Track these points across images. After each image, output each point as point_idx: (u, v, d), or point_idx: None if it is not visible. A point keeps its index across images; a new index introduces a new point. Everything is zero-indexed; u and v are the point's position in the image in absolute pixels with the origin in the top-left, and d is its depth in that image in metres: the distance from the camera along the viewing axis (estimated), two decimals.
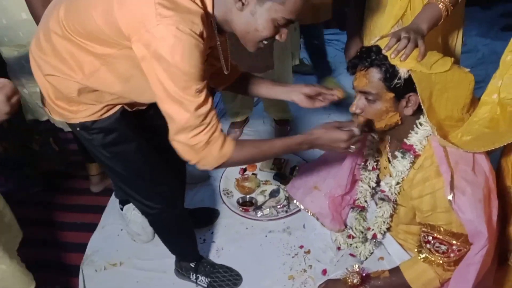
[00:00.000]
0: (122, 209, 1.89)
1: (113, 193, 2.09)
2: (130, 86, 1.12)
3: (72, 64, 1.08)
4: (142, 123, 1.32)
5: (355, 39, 1.63)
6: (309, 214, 1.56)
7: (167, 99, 0.98)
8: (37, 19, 1.45)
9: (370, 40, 1.41)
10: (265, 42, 1.06)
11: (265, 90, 1.36)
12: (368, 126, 1.13)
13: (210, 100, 1.01)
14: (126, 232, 1.92)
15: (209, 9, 1.01)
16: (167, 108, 1.00)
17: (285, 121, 2.42)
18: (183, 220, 1.56)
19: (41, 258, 1.82)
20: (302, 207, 1.59)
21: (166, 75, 0.95)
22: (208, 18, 1.01)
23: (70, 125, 1.23)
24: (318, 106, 1.30)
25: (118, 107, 1.20)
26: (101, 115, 1.19)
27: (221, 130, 1.05)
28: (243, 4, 0.98)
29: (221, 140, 1.03)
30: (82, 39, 1.04)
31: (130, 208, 1.85)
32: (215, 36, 1.07)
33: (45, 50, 1.11)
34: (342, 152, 1.12)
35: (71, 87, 1.12)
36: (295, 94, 1.31)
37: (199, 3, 0.98)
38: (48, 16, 1.10)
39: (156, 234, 1.87)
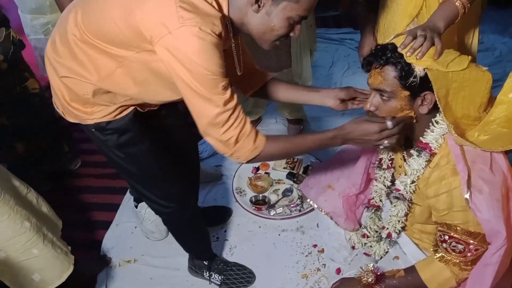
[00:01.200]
0: (136, 207, 1.91)
1: (128, 191, 2.12)
2: (144, 89, 1.14)
3: (88, 66, 1.10)
4: (155, 123, 1.33)
5: (369, 37, 1.62)
6: (323, 213, 1.56)
7: (195, 98, 1.00)
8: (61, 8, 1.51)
9: (385, 38, 1.40)
10: (280, 40, 1.07)
11: (297, 95, 1.35)
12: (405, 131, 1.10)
13: (235, 95, 1.03)
14: (140, 229, 1.95)
15: (225, 12, 1.02)
16: (197, 106, 1.02)
17: (299, 120, 2.41)
18: (197, 219, 1.57)
19: None
20: (315, 206, 1.59)
21: (192, 76, 0.97)
22: (224, 21, 1.03)
23: (85, 126, 1.24)
24: (352, 108, 1.30)
25: (131, 108, 1.22)
26: (115, 116, 1.20)
27: (251, 125, 1.06)
28: (259, 6, 1.00)
29: (253, 133, 1.05)
30: (101, 41, 1.06)
31: (144, 206, 1.86)
32: (230, 38, 1.09)
33: (60, 53, 1.13)
34: (375, 146, 1.10)
35: (86, 89, 1.14)
36: (329, 99, 1.29)
37: (216, 7, 1.00)
38: (65, 19, 1.12)
39: (168, 233, 1.90)
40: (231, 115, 1.02)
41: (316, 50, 2.28)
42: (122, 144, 1.26)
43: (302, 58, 2.07)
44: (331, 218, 1.52)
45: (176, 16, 0.94)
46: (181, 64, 0.96)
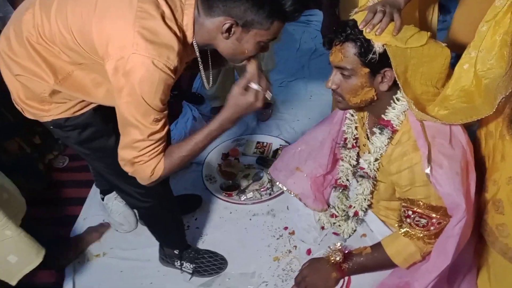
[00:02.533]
0: (103, 199, 1.86)
1: (93, 184, 2.06)
2: (100, 92, 1.13)
3: (45, 68, 1.08)
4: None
5: (331, 17, 1.61)
6: (292, 195, 1.56)
7: (125, 120, 1.02)
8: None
9: (347, 17, 1.39)
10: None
11: None
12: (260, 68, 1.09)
13: (166, 129, 1.06)
14: (108, 222, 1.90)
15: (189, 39, 1.03)
16: (123, 126, 1.04)
17: (267, 104, 2.39)
18: (174, 210, 1.56)
19: None
20: (284, 188, 1.59)
21: (130, 100, 0.98)
22: (186, 45, 1.03)
23: (44, 123, 1.20)
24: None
25: (91, 105, 1.18)
26: (73, 113, 1.17)
27: (163, 154, 1.08)
28: (229, 34, 1.01)
29: (157, 159, 1.07)
30: (56, 46, 1.04)
31: (111, 198, 1.83)
32: (196, 55, 1.09)
33: (16, 52, 1.09)
34: (260, 107, 1.08)
35: (44, 88, 1.11)
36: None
37: (179, 33, 0.99)
38: (21, 17, 1.08)
39: (139, 223, 1.87)
40: (150, 145, 1.04)
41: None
42: (84, 140, 1.23)
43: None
44: (300, 200, 1.53)
45: (131, 42, 0.93)
46: (123, 86, 0.97)
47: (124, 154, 1.07)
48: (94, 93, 1.13)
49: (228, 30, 0.99)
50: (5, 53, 1.11)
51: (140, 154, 1.04)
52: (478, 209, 1.18)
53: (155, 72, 0.95)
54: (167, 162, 1.08)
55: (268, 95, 1.07)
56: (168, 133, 1.11)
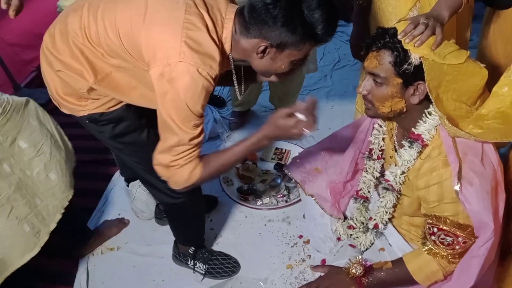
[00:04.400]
0: (128, 186, 1.89)
1: (113, 177, 2.08)
2: (134, 95, 1.17)
3: (87, 67, 1.13)
4: (151, 113, 1.30)
5: (360, 27, 1.60)
6: (307, 195, 1.53)
7: (165, 126, 1.05)
8: None
9: (376, 27, 1.39)
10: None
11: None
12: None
13: (203, 134, 1.10)
14: (124, 217, 1.91)
15: (227, 49, 1.08)
16: (163, 132, 1.08)
17: None
18: (201, 208, 1.58)
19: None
20: (299, 184, 1.56)
21: (172, 106, 1.02)
22: (223, 56, 1.07)
23: (79, 118, 1.25)
24: None
25: (124, 102, 1.23)
26: (108, 108, 1.21)
27: (198, 159, 1.10)
28: (264, 54, 1.05)
29: (194, 164, 1.09)
30: (101, 49, 1.09)
31: (136, 185, 1.86)
32: (231, 67, 1.14)
33: (59, 50, 1.15)
34: (299, 137, 1.11)
35: (82, 85, 1.16)
36: None
37: (218, 43, 1.04)
38: (67, 17, 1.13)
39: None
40: (188, 149, 1.07)
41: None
42: (118, 134, 1.26)
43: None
44: (317, 202, 1.51)
45: (178, 51, 0.98)
46: (167, 92, 1.01)
47: (161, 159, 1.09)
48: (128, 95, 1.18)
49: (263, 51, 1.04)
50: (48, 50, 1.17)
51: (177, 158, 1.07)
52: (505, 234, 1.15)
53: (199, 80, 0.99)
54: (205, 169, 1.11)
55: (307, 132, 1.08)
56: None
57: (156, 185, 1.39)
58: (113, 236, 1.83)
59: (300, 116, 1.06)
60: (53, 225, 1.44)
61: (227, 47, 1.08)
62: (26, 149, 1.39)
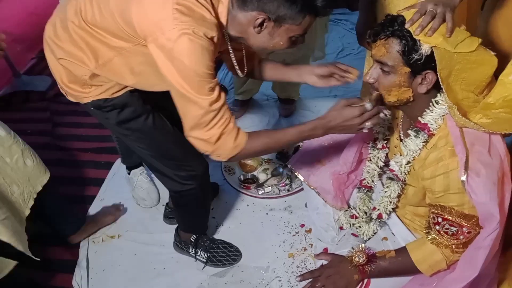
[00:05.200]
0: (129, 174, 1.89)
1: (113, 164, 2.08)
2: (140, 79, 1.16)
3: (87, 52, 1.12)
4: (156, 99, 1.29)
5: (367, 14, 1.57)
6: (311, 188, 1.53)
7: (182, 98, 1.02)
8: None
9: (383, 15, 1.36)
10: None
11: (277, 73, 1.36)
12: (381, 100, 1.09)
13: (222, 95, 1.05)
14: (124, 205, 1.91)
15: (223, 22, 1.05)
16: (182, 106, 1.04)
17: (291, 100, 2.37)
18: (209, 195, 1.58)
19: (41, 229, 1.80)
20: (303, 179, 1.55)
21: (180, 76, 0.99)
22: (221, 28, 1.04)
23: (85, 105, 1.24)
24: (334, 84, 1.28)
25: (128, 88, 1.22)
26: (112, 94, 1.20)
27: (235, 123, 1.06)
28: (261, 28, 1.02)
29: (234, 132, 1.06)
30: (99, 29, 1.08)
31: (137, 173, 1.87)
32: (227, 44, 1.09)
33: (60, 37, 1.14)
34: (357, 131, 1.09)
35: (84, 72, 1.15)
36: (307, 76, 1.30)
37: (214, 15, 1.01)
38: (67, 6, 1.13)
39: (159, 201, 1.90)
40: (215, 115, 1.03)
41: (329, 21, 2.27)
42: (123, 121, 1.25)
43: (317, 33, 2.03)
44: (319, 194, 1.50)
45: (171, 18, 0.95)
46: (171, 64, 0.98)
47: (195, 134, 1.06)
48: (130, 80, 1.17)
49: (260, 24, 1.01)
50: (50, 39, 1.18)
51: (209, 128, 1.03)
52: (508, 225, 1.15)
53: (198, 40, 0.96)
54: (253, 141, 1.08)
55: (366, 125, 1.06)
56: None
57: (164, 171, 1.38)
58: (109, 223, 1.82)
59: (368, 105, 1.04)
60: (27, 211, 1.44)
61: (222, 21, 1.04)
62: (4, 137, 1.40)
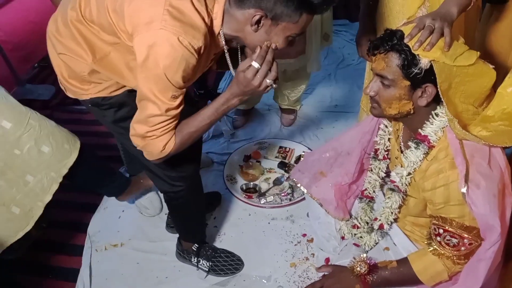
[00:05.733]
0: None
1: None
2: (133, 76, 1.16)
3: (85, 47, 1.14)
4: None
5: (367, 26, 1.60)
6: (313, 199, 1.54)
7: (144, 95, 1.05)
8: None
9: (383, 26, 1.39)
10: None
11: None
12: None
13: (181, 107, 1.09)
14: (127, 213, 1.92)
15: (217, 27, 1.06)
16: (142, 100, 1.07)
17: (292, 109, 2.39)
18: (200, 200, 1.58)
19: (44, 237, 1.81)
20: (305, 191, 1.57)
21: (150, 74, 1.01)
22: (213, 33, 1.05)
23: (83, 101, 1.27)
24: None
25: (126, 87, 1.24)
26: (110, 92, 1.23)
27: (174, 130, 1.11)
28: (258, 26, 1.02)
29: (168, 137, 1.10)
30: (95, 25, 1.10)
31: None
32: (221, 46, 1.11)
33: (61, 32, 1.17)
34: (264, 91, 1.07)
35: (83, 68, 1.17)
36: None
37: (206, 19, 1.02)
38: (69, 1, 1.16)
39: (161, 210, 1.92)
40: (165, 121, 1.07)
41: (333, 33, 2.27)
42: (120, 119, 1.28)
43: (313, 46, 2.05)
44: (321, 206, 1.51)
45: (160, 19, 0.96)
46: (147, 60, 0.99)
47: (138, 128, 1.10)
48: (127, 76, 1.18)
49: (258, 22, 1.02)
50: (52, 34, 1.20)
51: (153, 129, 1.07)
52: (509, 234, 1.16)
53: (179, 49, 0.97)
54: (178, 138, 1.12)
55: (268, 82, 1.05)
56: (182, 112, 1.12)
57: (156, 172, 1.40)
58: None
59: (255, 64, 1.03)
60: (48, 197, 1.42)
61: (217, 22, 1.05)
62: (12, 128, 1.34)
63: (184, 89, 1.06)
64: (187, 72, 1.02)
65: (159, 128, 1.07)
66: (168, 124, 1.08)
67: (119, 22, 1.05)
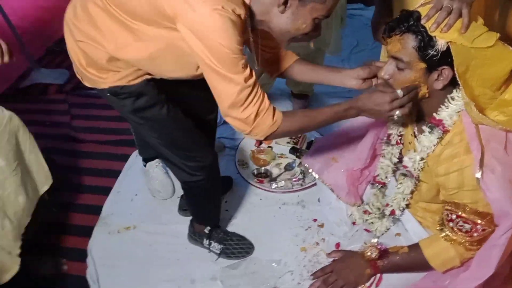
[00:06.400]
0: (145, 166, 1.91)
1: (130, 157, 2.12)
2: (158, 65, 1.14)
3: (106, 35, 1.11)
4: (171, 88, 1.30)
5: (383, 8, 1.56)
6: (325, 185, 1.54)
7: (216, 78, 1.01)
8: None
9: (400, 8, 1.35)
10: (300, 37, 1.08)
11: (318, 76, 1.34)
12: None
13: (254, 72, 1.04)
14: (140, 197, 1.94)
15: (246, 1, 1.02)
16: (218, 87, 1.03)
17: (304, 95, 2.37)
18: (218, 187, 1.59)
19: (57, 220, 1.85)
20: (317, 176, 1.56)
21: (212, 55, 0.97)
22: (245, 10, 1.02)
23: (101, 91, 1.25)
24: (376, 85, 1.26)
25: (145, 76, 1.22)
26: (129, 81, 1.20)
27: (269, 100, 1.06)
28: (285, 7, 1.00)
29: (271, 109, 1.06)
30: (122, 12, 1.06)
31: (153, 165, 1.89)
32: (248, 32, 1.08)
33: (79, 18, 1.14)
34: (387, 118, 1.10)
35: (101, 55, 1.14)
36: (351, 80, 1.26)
37: None
38: None
39: (174, 193, 1.93)
40: (251, 92, 1.02)
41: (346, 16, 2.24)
42: (138, 109, 1.26)
43: (333, 27, 2.01)
44: (333, 191, 1.51)
45: None
46: (202, 42, 0.96)
47: (232, 114, 1.05)
48: (146, 65, 1.16)
49: (285, 3, 1.00)
50: (70, 20, 1.18)
51: (246, 106, 1.02)
52: None
53: (227, 15, 0.95)
54: (289, 120, 1.09)
55: (396, 112, 1.07)
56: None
57: (174, 161, 1.40)
58: None
59: (399, 91, 1.05)
60: (17, 250, 1.37)
61: (246, 1, 1.02)
62: (3, 167, 1.32)
63: (245, 55, 1.02)
64: (241, 36, 0.99)
65: (250, 102, 1.02)
66: (255, 94, 1.03)
67: (152, 7, 1.01)
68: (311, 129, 1.16)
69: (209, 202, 1.60)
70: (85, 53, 1.17)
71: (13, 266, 1.34)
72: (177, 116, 1.32)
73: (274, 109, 1.07)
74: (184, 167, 1.40)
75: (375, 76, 1.24)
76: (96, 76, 1.20)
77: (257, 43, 1.19)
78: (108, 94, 1.24)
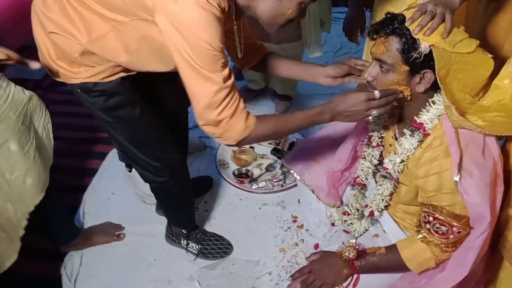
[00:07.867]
0: (130, 171, 1.86)
1: (107, 155, 2.07)
2: (134, 57, 1.09)
3: (79, 26, 1.05)
4: (145, 87, 1.27)
5: (356, 13, 1.60)
6: (306, 186, 1.54)
7: (193, 76, 0.96)
8: None
9: (382, 13, 1.36)
10: (286, 23, 1.05)
11: (289, 70, 1.33)
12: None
13: (233, 73, 1.01)
14: (117, 196, 1.91)
15: None
16: (194, 85, 0.98)
17: (288, 96, 2.38)
18: (187, 190, 1.55)
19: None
20: (298, 177, 1.56)
21: (192, 51, 0.93)
22: (229, 1, 0.99)
23: (71, 86, 1.18)
24: (348, 82, 1.26)
25: (120, 73, 1.16)
26: (102, 78, 1.15)
27: (243, 104, 1.03)
28: None
29: (245, 113, 1.03)
30: (96, 3, 1.01)
31: None
32: (232, 20, 1.04)
33: (50, 7, 1.07)
34: (363, 118, 1.07)
35: (74, 48, 1.08)
36: (321, 78, 1.26)
37: None
38: None
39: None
40: (228, 94, 0.98)
41: (331, 20, 2.27)
42: (109, 108, 1.21)
43: (311, 28, 2.03)
44: (313, 192, 1.51)
45: None
46: (182, 37, 0.92)
47: (207, 115, 1.00)
48: (123, 57, 1.10)
49: None
50: (40, 11, 1.11)
51: (222, 108, 0.98)
52: (498, 224, 1.16)
53: (211, 9, 0.91)
54: (263, 125, 1.05)
55: (372, 112, 1.05)
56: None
57: (140, 162, 1.36)
58: (102, 243, 1.71)
59: (377, 92, 1.04)
60: (21, 231, 1.32)
61: None
62: (15, 152, 1.27)
63: (226, 55, 0.99)
64: (223, 34, 0.96)
65: (227, 105, 0.98)
66: (232, 97, 0.99)
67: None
68: (285, 134, 1.14)
69: (180, 207, 1.58)
70: (57, 45, 1.10)
71: (13, 254, 1.30)
72: (149, 116, 1.29)
73: (248, 113, 1.04)
74: (149, 167, 1.37)
75: (347, 74, 1.24)
76: (66, 70, 1.13)
77: (241, 31, 1.15)
78: (79, 91, 1.17)
